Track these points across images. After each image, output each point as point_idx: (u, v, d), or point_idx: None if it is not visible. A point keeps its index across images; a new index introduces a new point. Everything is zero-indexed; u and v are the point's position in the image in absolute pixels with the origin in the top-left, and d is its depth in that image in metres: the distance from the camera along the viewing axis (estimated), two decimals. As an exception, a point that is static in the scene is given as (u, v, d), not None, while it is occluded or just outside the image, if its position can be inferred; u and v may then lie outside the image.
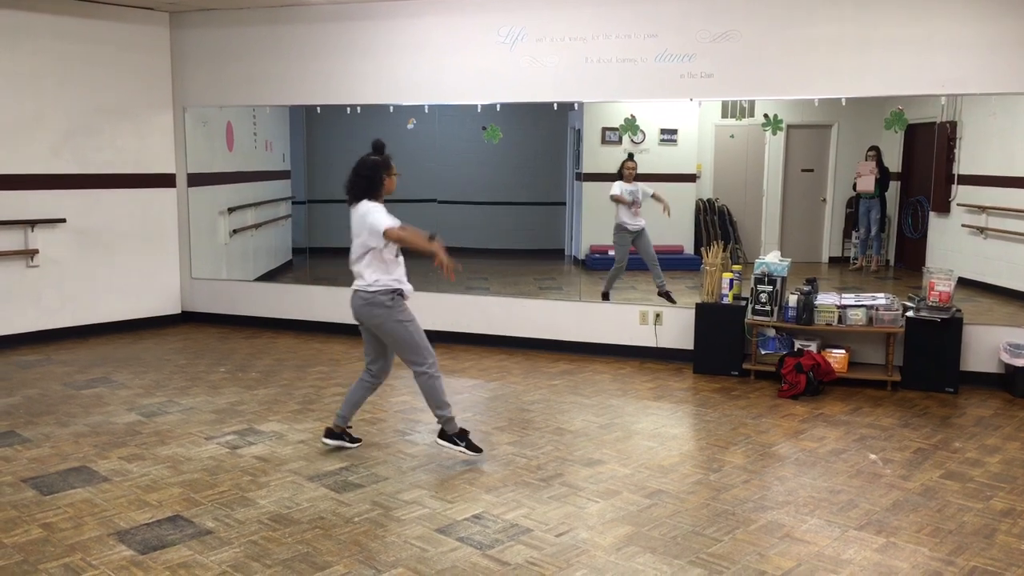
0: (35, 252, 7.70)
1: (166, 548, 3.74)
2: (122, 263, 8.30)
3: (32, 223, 7.65)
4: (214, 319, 8.75)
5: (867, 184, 8.39)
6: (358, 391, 4.99)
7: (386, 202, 4.90)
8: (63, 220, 7.86)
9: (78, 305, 8.05)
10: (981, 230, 7.53)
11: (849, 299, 6.64)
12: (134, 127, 8.30)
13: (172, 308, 8.75)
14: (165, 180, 8.56)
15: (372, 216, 4.63)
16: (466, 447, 4.86)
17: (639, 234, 8.20)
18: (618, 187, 8.16)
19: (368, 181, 4.75)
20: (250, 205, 9.69)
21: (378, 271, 4.74)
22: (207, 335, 8.26)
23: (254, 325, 8.60)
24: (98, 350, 7.58)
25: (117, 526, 3.96)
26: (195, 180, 8.69)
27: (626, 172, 8.22)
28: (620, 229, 8.18)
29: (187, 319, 8.81)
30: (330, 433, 5.04)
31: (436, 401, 4.82)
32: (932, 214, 7.70)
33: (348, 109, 8.13)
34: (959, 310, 6.46)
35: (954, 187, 7.62)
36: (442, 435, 4.89)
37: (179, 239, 8.71)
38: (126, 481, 4.52)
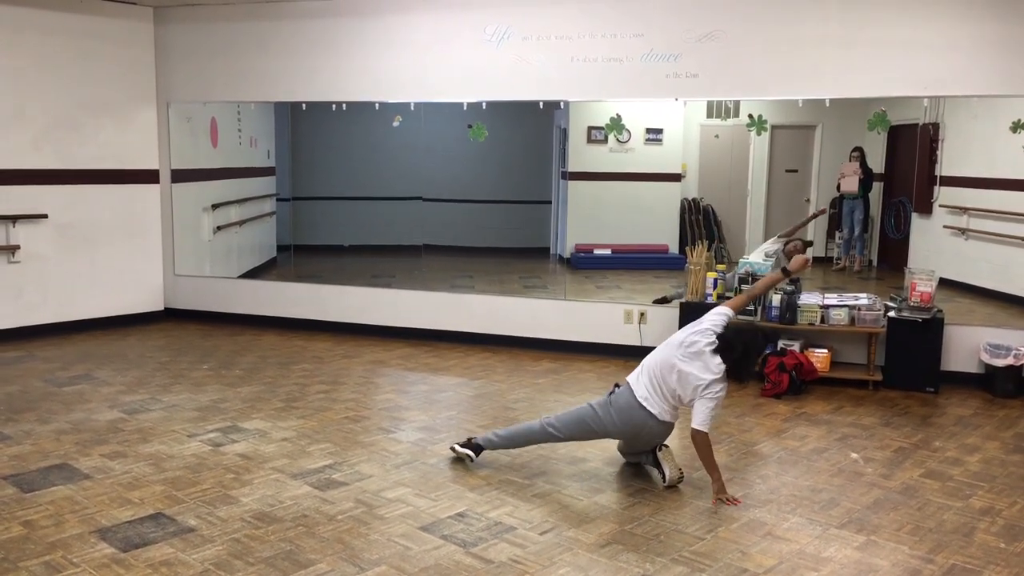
0: (16, 248, 7.63)
1: (148, 546, 3.72)
2: (105, 259, 8.24)
3: (13, 218, 7.59)
4: (197, 316, 8.71)
5: (850, 185, 8.44)
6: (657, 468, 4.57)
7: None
8: (45, 216, 7.79)
9: (60, 301, 7.99)
10: (962, 231, 7.59)
11: (832, 299, 6.69)
12: (117, 122, 8.24)
13: (155, 305, 8.70)
14: (148, 176, 8.50)
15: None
16: (461, 445, 4.75)
17: None
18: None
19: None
20: (234, 202, 9.65)
21: None
22: (190, 332, 8.22)
23: (237, 322, 8.56)
24: (80, 347, 7.53)
25: (99, 524, 3.94)
26: (179, 176, 8.64)
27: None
28: None
29: (170, 316, 8.76)
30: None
31: (513, 439, 4.67)
32: (914, 215, 7.75)
33: (333, 106, 8.10)
34: (940, 310, 6.51)
35: (936, 188, 7.68)
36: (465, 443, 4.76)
37: (162, 236, 8.66)
38: (108, 478, 4.49)
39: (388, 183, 10.71)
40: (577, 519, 4.09)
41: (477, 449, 4.72)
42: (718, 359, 4.24)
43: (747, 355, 4.27)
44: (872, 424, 5.66)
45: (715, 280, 6.91)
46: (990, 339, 6.48)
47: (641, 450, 4.66)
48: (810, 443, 5.25)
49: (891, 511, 4.24)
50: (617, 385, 4.56)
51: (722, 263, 7.47)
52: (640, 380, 4.44)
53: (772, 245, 7.66)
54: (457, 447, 4.77)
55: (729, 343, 4.26)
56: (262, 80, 8.21)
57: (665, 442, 4.61)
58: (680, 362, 4.30)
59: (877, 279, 8.59)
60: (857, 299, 6.65)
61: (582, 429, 4.55)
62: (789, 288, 6.61)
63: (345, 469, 4.68)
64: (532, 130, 10.21)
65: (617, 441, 4.79)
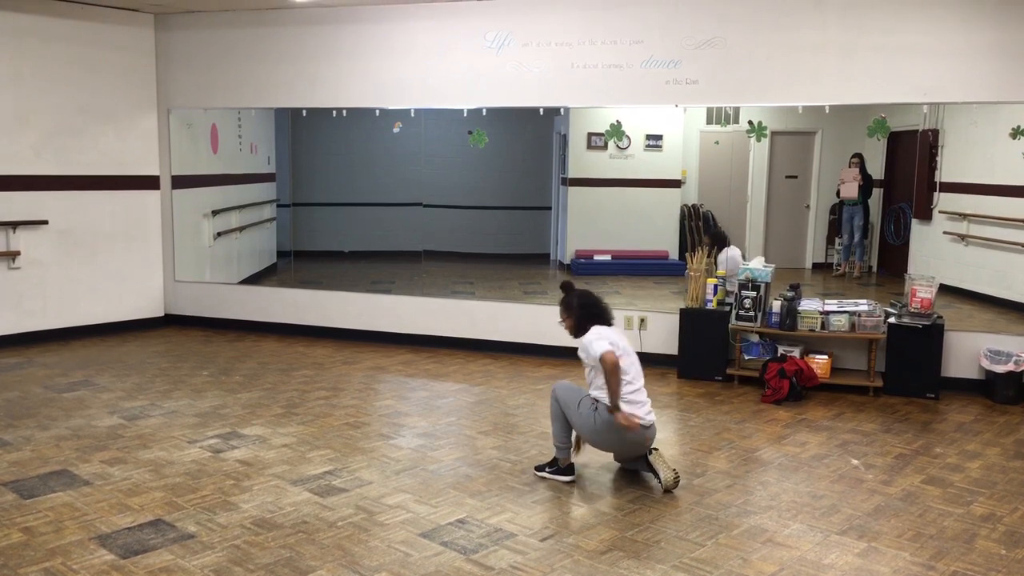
0: (17, 254, 7.64)
1: (148, 552, 3.72)
2: (105, 265, 8.25)
3: (14, 224, 7.59)
4: (197, 322, 8.71)
5: (850, 191, 8.46)
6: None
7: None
8: (45, 222, 7.80)
9: (60, 307, 7.99)
10: (962, 237, 7.60)
11: (832, 305, 6.69)
12: (118, 129, 8.25)
13: (155, 311, 8.70)
14: (149, 182, 8.51)
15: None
16: (553, 472, 4.69)
17: None
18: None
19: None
20: (234, 208, 9.66)
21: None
22: (190, 338, 8.22)
23: (238, 328, 8.56)
24: (80, 353, 7.53)
25: (98, 530, 3.93)
26: (179, 182, 8.64)
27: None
28: None
29: (170, 322, 8.76)
30: None
31: (558, 430, 4.73)
32: (914, 221, 7.76)
33: (334, 112, 8.11)
34: (940, 316, 6.51)
35: (936, 194, 7.69)
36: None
37: (163, 241, 8.66)
38: (107, 485, 4.49)
39: (388, 189, 10.73)
40: (577, 525, 4.08)
41: (569, 468, 4.65)
42: (589, 328, 4.73)
43: (584, 306, 4.80)
44: (873, 430, 5.65)
45: (715, 286, 6.92)
46: (990, 345, 6.48)
47: (634, 457, 4.67)
48: (811, 449, 5.25)
49: (892, 518, 4.23)
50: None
51: (722, 270, 7.47)
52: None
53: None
54: (551, 475, 4.67)
55: (575, 310, 4.83)
56: (263, 86, 8.22)
57: (655, 446, 4.64)
58: (587, 364, 4.70)
59: (877, 285, 8.60)
60: (857, 305, 6.65)
61: (570, 405, 4.62)
62: (789, 294, 6.62)
63: (345, 475, 4.67)
64: (532, 136, 10.23)
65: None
